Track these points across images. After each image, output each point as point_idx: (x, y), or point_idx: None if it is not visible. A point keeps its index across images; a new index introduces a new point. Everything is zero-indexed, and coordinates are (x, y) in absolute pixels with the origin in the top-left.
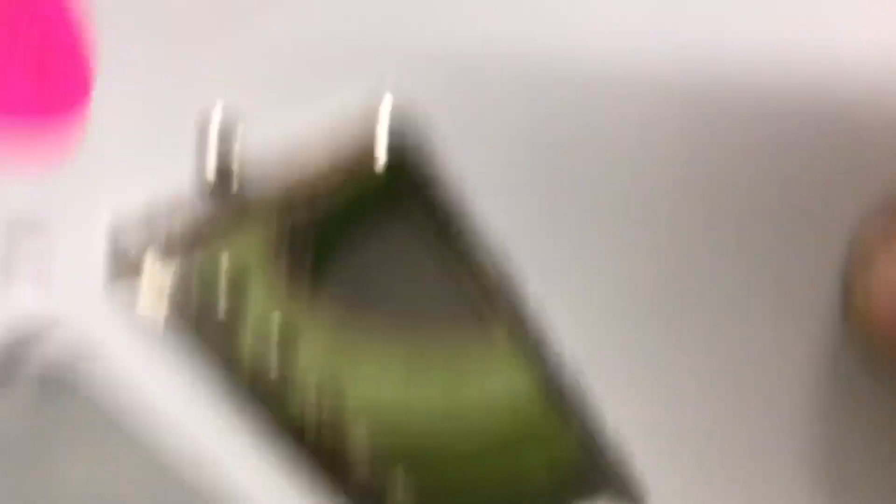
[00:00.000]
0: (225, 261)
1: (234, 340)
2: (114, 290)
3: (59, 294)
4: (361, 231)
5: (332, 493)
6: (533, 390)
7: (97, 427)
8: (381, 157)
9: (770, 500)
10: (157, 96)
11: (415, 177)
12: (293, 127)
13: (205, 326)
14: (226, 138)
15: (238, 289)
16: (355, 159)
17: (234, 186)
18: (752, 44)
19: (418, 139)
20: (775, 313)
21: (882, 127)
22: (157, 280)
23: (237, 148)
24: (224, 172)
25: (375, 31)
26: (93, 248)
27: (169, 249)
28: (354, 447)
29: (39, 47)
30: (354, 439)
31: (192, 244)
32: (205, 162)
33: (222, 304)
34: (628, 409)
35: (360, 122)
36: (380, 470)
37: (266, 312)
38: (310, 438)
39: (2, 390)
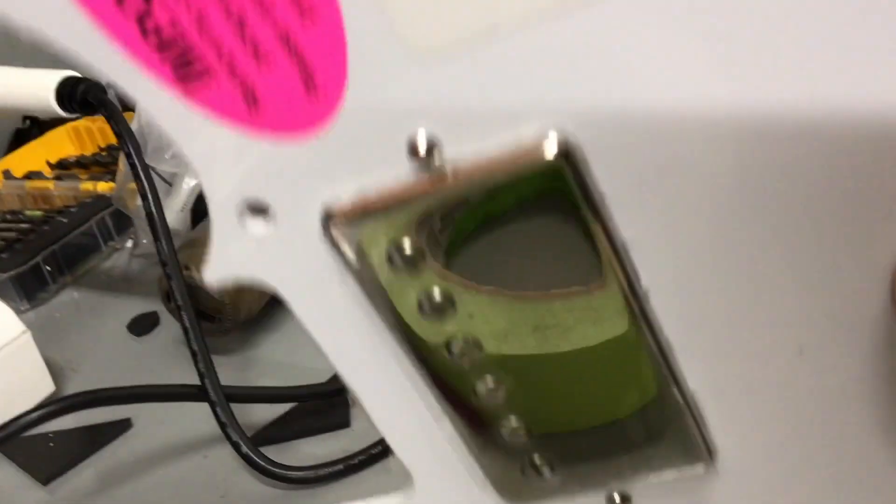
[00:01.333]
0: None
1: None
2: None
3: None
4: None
5: (454, 412)
6: (631, 339)
7: None
8: (551, 149)
9: (834, 465)
10: (382, 118)
11: (574, 167)
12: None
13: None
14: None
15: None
16: (530, 148)
17: (436, 160)
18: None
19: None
20: (843, 306)
21: None
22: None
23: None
24: (430, 146)
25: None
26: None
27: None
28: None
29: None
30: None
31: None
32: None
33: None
34: (708, 371)
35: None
36: (495, 398)
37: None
38: (443, 371)
39: None
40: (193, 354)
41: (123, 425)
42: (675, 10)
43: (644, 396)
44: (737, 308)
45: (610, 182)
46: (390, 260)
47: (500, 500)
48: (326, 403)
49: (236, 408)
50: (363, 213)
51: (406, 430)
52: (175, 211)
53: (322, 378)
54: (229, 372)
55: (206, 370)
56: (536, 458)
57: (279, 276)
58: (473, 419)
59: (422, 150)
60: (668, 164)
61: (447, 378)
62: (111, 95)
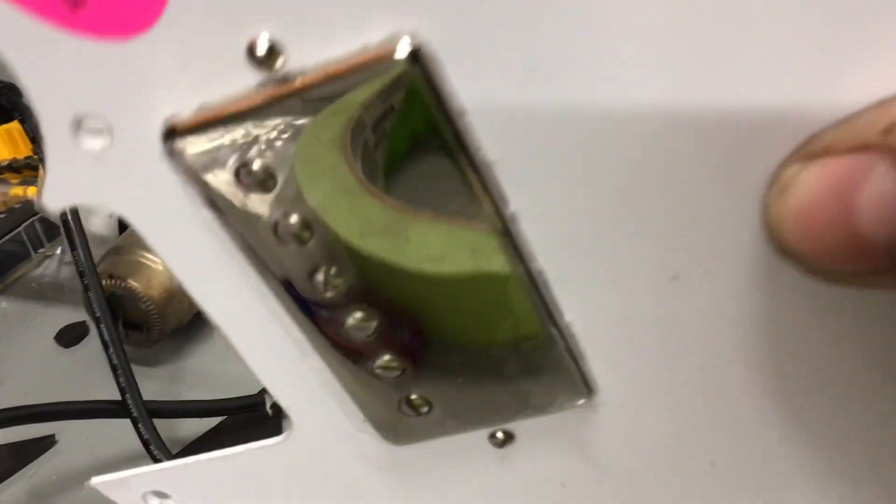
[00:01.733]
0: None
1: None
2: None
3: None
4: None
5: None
6: (509, 274)
7: None
8: (403, 50)
9: (713, 391)
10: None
11: (427, 75)
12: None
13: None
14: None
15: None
16: (380, 51)
17: (278, 64)
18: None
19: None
20: (715, 231)
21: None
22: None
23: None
24: (272, 51)
25: None
26: (149, 137)
27: (221, 121)
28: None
29: None
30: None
31: (240, 117)
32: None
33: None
34: (582, 300)
35: (385, 43)
36: (364, 331)
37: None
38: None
39: None
40: (114, 368)
41: (48, 442)
42: None
43: (519, 329)
44: (609, 234)
45: (469, 96)
46: (238, 179)
47: (380, 439)
48: (257, 416)
49: (164, 422)
50: (205, 126)
51: (276, 367)
52: (103, 217)
53: (255, 389)
54: (159, 384)
55: (128, 385)
56: (413, 396)
57: (122, 199)
58: (343, 354)
59: (261, 52)
60: (533, 73)
61: (312, 310)
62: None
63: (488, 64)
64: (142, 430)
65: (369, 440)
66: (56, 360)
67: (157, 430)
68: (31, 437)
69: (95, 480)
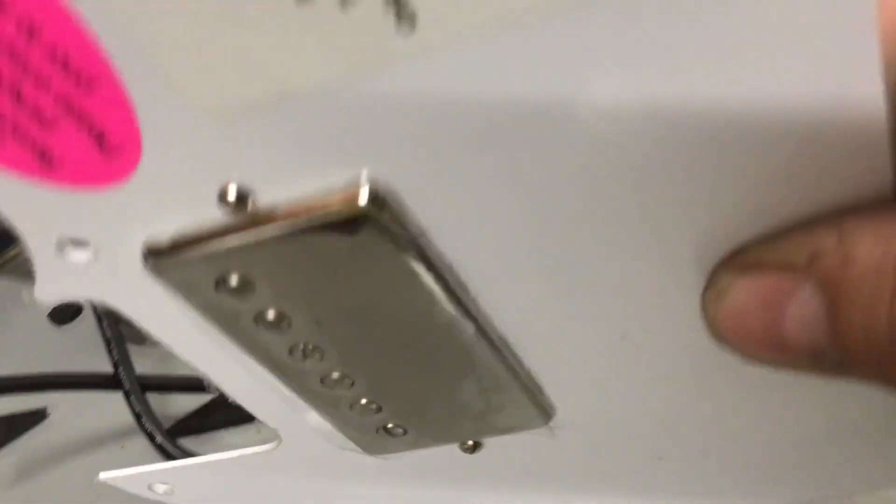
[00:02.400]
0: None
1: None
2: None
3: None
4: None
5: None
6: (472, 341)
7: None
8: (364, 197)
9: (664, 420)
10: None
11: (389, 210)
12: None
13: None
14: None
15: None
16: (344, 195)
17: (248, 205)
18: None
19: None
20: (657, 299)
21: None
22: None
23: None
24: (242, 196)
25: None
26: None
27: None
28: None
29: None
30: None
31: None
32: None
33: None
34: (541, 356)
35: (347, 187)
36: (342, 387)
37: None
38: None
39: None
40: (107, 342)
41: (39, 415)
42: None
43: (483, 381)
44: (563, 305)
45: (426, 216)
46: (218, 290)
47: (361, 452)
48: None
49: (158, 398)
50: (184, 247)
51: (262, 404)
52: None
53: None
54: (153, 362)
55: (120, 358)
56: (389, 424)
57: (112, 297)
58: (325, 401)
59: (231, 198)
60: (482, 187)
61: (293, 378)
62: None
63: (439, 194)
64: (133, 403)
65: (351, 453)
66: (49, 338)
67: (148, 404)
68: (22, 411)
69: (104, 476)
